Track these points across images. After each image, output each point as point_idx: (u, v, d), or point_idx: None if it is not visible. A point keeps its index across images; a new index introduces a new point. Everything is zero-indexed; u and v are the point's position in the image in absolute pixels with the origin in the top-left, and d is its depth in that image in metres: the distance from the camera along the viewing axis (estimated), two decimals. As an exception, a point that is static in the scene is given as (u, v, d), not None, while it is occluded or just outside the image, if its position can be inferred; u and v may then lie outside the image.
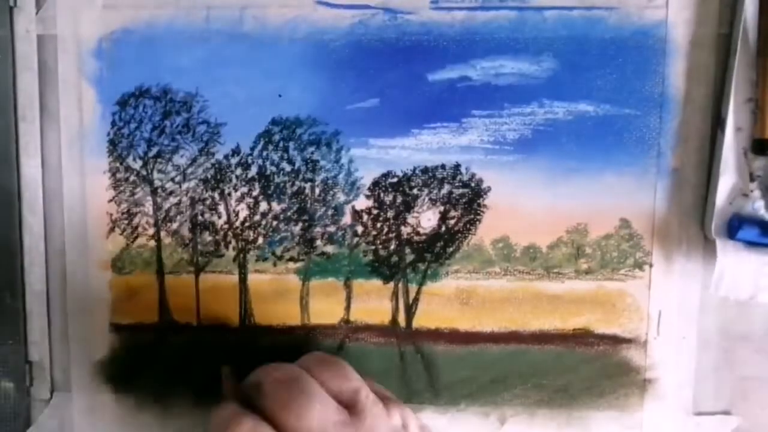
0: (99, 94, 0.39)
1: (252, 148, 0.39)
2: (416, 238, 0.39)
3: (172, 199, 0.40)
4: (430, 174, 0.39)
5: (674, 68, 0.37)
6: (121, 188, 0.40)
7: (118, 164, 0.40)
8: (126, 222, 0.40)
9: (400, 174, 0.39)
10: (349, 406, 0.30)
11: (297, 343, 0.40)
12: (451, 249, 0.39)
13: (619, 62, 0.38)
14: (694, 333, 0.39)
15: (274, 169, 0.39)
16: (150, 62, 0.39)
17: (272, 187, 0.39)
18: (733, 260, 0.36)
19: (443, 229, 0.39)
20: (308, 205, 0.39)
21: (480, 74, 0.38)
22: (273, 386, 0.30)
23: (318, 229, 0.40)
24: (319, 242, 0.40)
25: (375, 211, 0.39)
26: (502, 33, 0.38)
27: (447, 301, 0.40)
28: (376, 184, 0.39)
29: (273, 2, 0.38)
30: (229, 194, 0.40)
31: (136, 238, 0.40)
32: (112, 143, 0.39)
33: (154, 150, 0.39)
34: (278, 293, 0.40)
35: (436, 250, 0.39)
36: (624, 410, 0.39)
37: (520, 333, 0.40)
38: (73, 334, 0.40)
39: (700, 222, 0.38)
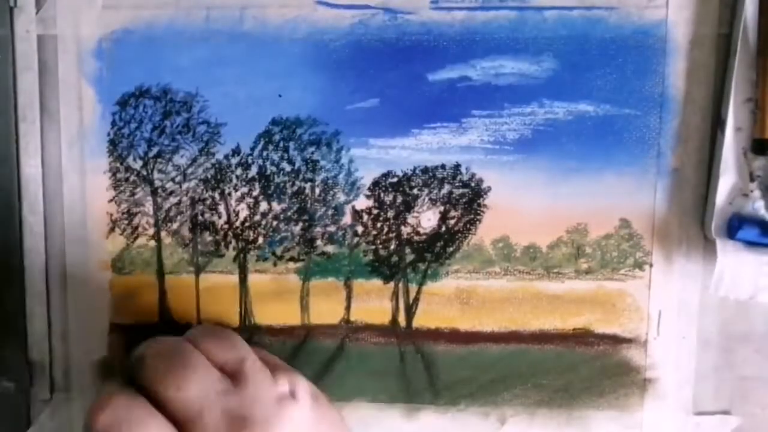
0: (99, 94, 0.39)
1: (252, 148, 0.39)
2: (416, 237, 0.39)
3: (173, 199, 0.40)
4: (430, 174, 0.39)
5: (674, 68, 0.37)
6: (122, 188, 0.40)
7: (118, 164, 0.40)
8: (126, 222, 0.40)
9: (400, 174, 0.39)
10: (233, 375, 0.30)
11: (297, 343, 0.40)
12: (451, 249, 0.39)
13: (619, 62, 0.38)
14: (694, 333, 0.39)
15: (274, 169, 0.39)
16: (150, 62, 0.39)
17: (272, 187, 0.39)
18: (733, 260, 0.36)
19: (443, 229, 0.39)
20: (308, 205, 0.40)
21: (480, 74, 0.38)
22: (153, 359, 0.30)
23: (318, 229, 0.40)
24: (319, 242, 0.40)
25: (375, 211, 0.39)
26: (502, 33, 0.38)
27: (447, 301, 0.40)
28: (376, 184, 0.39)
29: (273, 2, 0.38)
30: (230, 194, 0.40)
31: (137, 238, 0.40)
32: (113, 143, 0.39)
33: (155, 150, 0.39)
34: (278, 293, 0.40)
35: (437, 250, 0.39)
36: (624, 410, 0.39)
37: (520, 333, 0.40)
38: (73, 335, 0.40)
39: (700, 222, 0.38)
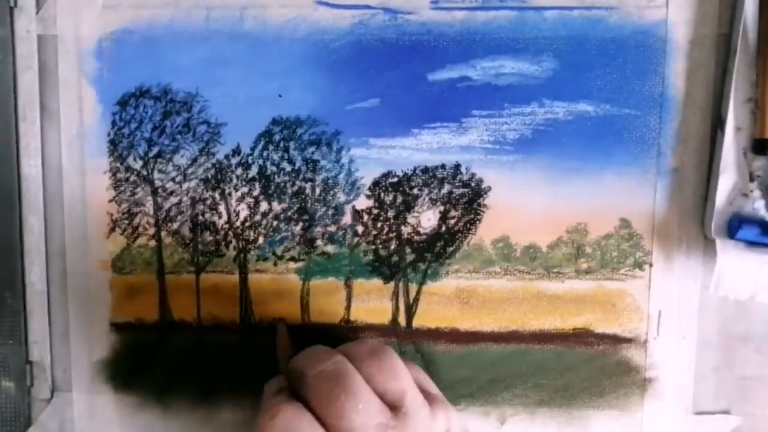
0: (99, 95, 0.39)
1: (252, 148, 0.39)
2: (416, 237, 0.39)
3: (173, 199, 0.40)
4: (431, 174, 0.39)
5: (674, 68, 0.37)
6: (122, 188, 0.40)
7: (118, 164, 0.40)
8: (126, 222, 0.40)
9: (401, 174, 0.39)
10: (393, 407, 0.29)
11: (297, 343, 0.40)
12: (451, 249, 0.39)
13: (619, 62, 0.38)
14: (694, 333, 0.39)
15: (274, 169, 0.39)
16: (150, 62, 0.39)
17: (273, 187, 0.39)
18: (733, 260, 0.36)
19: (443, 228, 0.39)
20: (309, 205, 0.40)
21: (480, 74, 0.38)
22: (316, 379, 0.30)
23: (318, 229, 0.40)
24: (319, 242, 0.40)
25: (375, 211, 0.39)
26: (502, 33, 0.38)
27: (447, 301, 0.40)
28: (376, 183, 0.39)
29: (273, 2, 0.38)
30: (230, 194, 0.40)
31: (137, 238, 0.40)
32: (113, 143, 0.40)
33: (155, 150, 0.39)
34: (279, 293, 0.40)
35: (437, 250, 0.39)
36: (624, 410, 0.39)
37: (520, 333, 0.40)
38: (73, 334, 0.40)
39: (700, 222, 0.38)
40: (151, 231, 0.40)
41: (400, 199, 0.39)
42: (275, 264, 0.40)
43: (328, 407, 0.28)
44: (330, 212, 0.39)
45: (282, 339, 0.36)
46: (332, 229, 0.40)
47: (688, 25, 0.37)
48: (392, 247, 0.40)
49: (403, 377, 0.30)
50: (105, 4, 0.39)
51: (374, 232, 0.40)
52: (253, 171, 0.39)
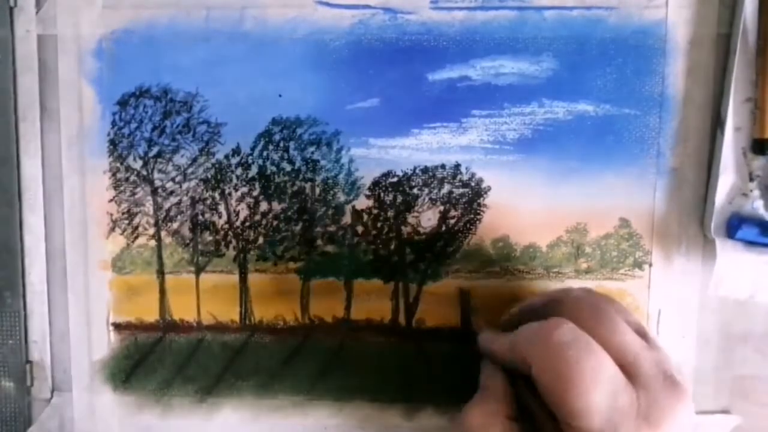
0: (99, 94, 0.39)
1: (252, 148, 0.39)
2: (416, 237, 0.39)
3: (173, 199, 0.40)
4: (430, 174, 0.39)
5: (674, 68, 0.37)
6: (122, 188, 0.40)
7: (118, 164, 0.40)
8: (126, 222, 0.40)
9: (400, 174, 0.39)
10: (641, 335, 0.30)
11: (297, 343, 0.40)
12: (451, 248, 0.39)
13: (618, 62, 0.38)
14: (694, 332, 0.39)
15: (274, 168, 0.39)
16: (150, 62, 0.39)
17: (273, 187, 0.39)
18: (733, 260, 0.36)
19: (443, 228, 0.39)
20: (308, 205, 0.40)
21: (480, 74, 0.38)
22: (577, 303, 0.31)
23: (318, 229, 0.40)
24: (319, 242, 0.40)
25: (375, 211, 0.39)
26: (502, 33, 0.38)
27: (447, 301, 0.40)
28: (376, 183, 0.39)
29: (273, 2, 0.38)
30: (230, 194, 0.40)
31: (137, 237, 0.40)
32: (113, 143, 0.40)
33: (155, 150, 0.39)
34: (278, 293, 0.40)
35: (437, 250, 0.39)
36: (624, 409, 0.39)
37: (520, 332, 0.40)
38: (73, 334, 0.40)
39: (699, 221, 0.38)
40: (151, 231, 0.40)
41: (400, 199, 0.39)
42: (275, 264, 0.40)
43: (599, 326, 0.29)
44: (330, 212, 0.39)
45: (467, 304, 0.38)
46: (332, 229, 0.40)
47: (688, 25, 0.37)
48: (392, 247, 0.40)
49: (634, 314, 0.32)
50: (105, 4, 0.39)
51: (374, 232, 0.40)
52: (253, 171, 0.39)
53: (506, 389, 0.31)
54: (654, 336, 0.31)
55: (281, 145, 0.39)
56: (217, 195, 0.40)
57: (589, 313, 0.30)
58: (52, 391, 0.41)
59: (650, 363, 0.28)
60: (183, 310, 0.40)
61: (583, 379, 0.27)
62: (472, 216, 0.39)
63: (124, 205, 0.40)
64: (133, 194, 0.40)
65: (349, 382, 0.40)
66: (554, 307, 0.31)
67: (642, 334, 0.30)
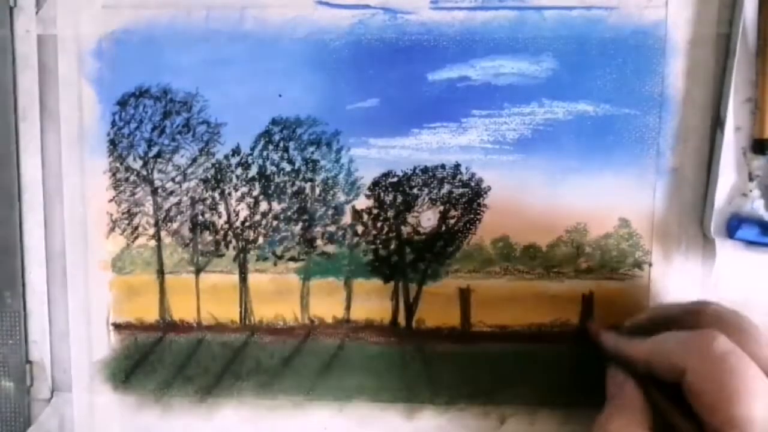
0: (99, 94, 0.39)
1: (252, 148, 0.39)
2: (416, 237, 0.39)
3: (173, 199, 0.40)
4: (430, 174, 0.39)
5: (674, 68, 0.37)
6: (122, 188, 0.40)
7: (118, 164, 0.40)
8: (126, 222, 0.40)
9: (400, 174, 0.39)
10: None
11: (297, 343, 0.40)
12: (451, 248, 0.39)
13: (618, 62, 0.38)
14: (694, 332, 0.39)
15: (274, 168, 0.39)
16: (150, 62, 0.39)
17: (272, 187, 0.39)
18: (733, 260, 0.36)
19: (443, 228, 0.39)
20: (308, 205, 0.40)
21: (480, 74, 0.38)
22: (717, 315, 0.31)
23: (318, 229, 0.40)
24: (319, 242, 0.40)
25: (375, 211, 0.39)
26: (502, 33, 0.38)
27: (447, 301, 0.40)
28: (376, 183, 0.39)
29: (273, 2, 0.38)
30: (230, 194, 0.40)
31: (137, 238, 0.40)
32: (113, 143, 0.40)
33: (155, 150, 0.40)
34: (278, 293, 0.40)
35: (436, 250, 0.39)
36: (624, 409, 0.39)
37: (520, 332, 0.40)
38: (73, 334, 0.40)
39: (699, 221, 0.38)
40: (151, 231, 0.40)
41: (399, 199, 0.39)
42: (275, 264, 0.40)
43: (744, 338, 0.29)
44: (330, 212, 0.40)
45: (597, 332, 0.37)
46: (332, 229, 0.40)
47: (688, 25, 0.37)
48: (392, 247, 0.40)
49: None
50: (105, 4, 0.39)
51: (374, 232, 0.40)
52: (253, 171, 0.39)
53: (641, 398, 0.31)
54: None
55: (281, 145, 0.39)
56: (216, 195, 0.40)
57: (734, 326, 0.30)
58: (52, 391, 0.41)
59: None
60: (183, 310, 0.40)
61: (746, 389, 0.28)
62: (472, 216, 0.39)
63: (124, 205, 0.40)
64: (133, 194, 0.40)
65: (349, 382, 0.40)
66: (694, 318, 0.31)
67: None
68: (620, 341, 0.34)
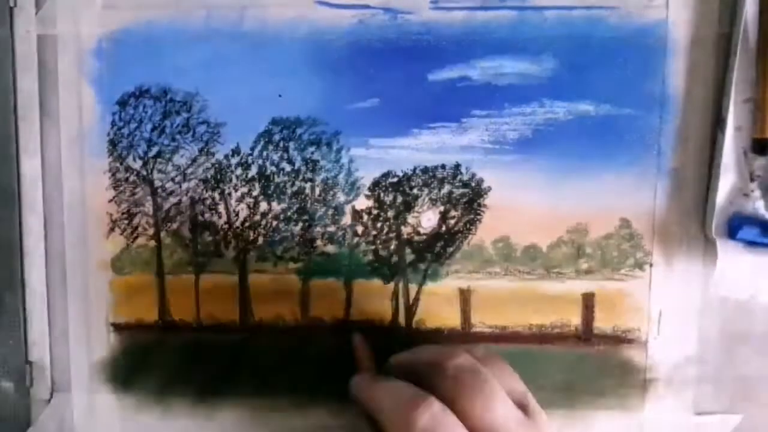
0: (99, 94, 0.39)
1: (252, 148, 0.39)
2: (416, 238, 0.39)
3: (172, 199, 0.40)
4: (431, 174, 0.39)
5: (674, 68, 0.37)
6: (121, 188, 0.40)
7: (118, 164, 0.40)
8: (126, 222, 0.40)
9: (400, 174, 0.39)
10: (521, 406, 0.30)
11: (297, 343, 0.40)
12: (451, 249, 0.39)
13: (619, 62, 0.38)
14: (695, 333, 0.39)
15: (274, 169, 0.39)
16: (150, 62, 0.39)
17: (272, 187, 0.39)
18: (734, 260, 0.36)
19: (443, 228, 0.39)
20: (308, 205, 0.39)
21: (480, 74, 0.38)
22: (457, 371, 0.30)
23: (318, 229, 0.40)
24: (319, 242, 0.40)
25: (375, 211, 0.39)
26: (502, 33, 0.38)
27: (447, 301, 0.40)
28: (376, 184, 0.39)
29: (273, 2, 0.38)
30: (229, 194, 0.40)
31: (136, 238, 0.40)
32: (112, 143, 0.39)
33: (154, 150, 0.39)
34: (278, 293, 0.40)
35: (437, 250, 0.39)
36: (624, 410, 0.39)
37: (521, 333, 0.40)
38: (73, 335, 0.40)
39: (700, 222, 0.38)
40: (151, 231, 0.40)
41: (400, 199, 0.39)
42: (275, 264, 0.40)
43: (473, 399, 0.28)
44: (330, 212, 0.39)
45: (361, 351, 0.38)
46: (332, 229, 0.40)
47: (689, 25, 0.37)
48: (392, 247, 0.40)
49: (519, 380, 0.31)
50: (105, 4, 0.39)
51: (374, 233, 0.39)
52: (253, 171, 0.39)
53: None
54: (536, 407, 0.30)
55: (281, 145, 0.39)
56: (216, 195, 0.40)
57: (469, 386, 0.29)
58: (52, 392, 0.41)
59: None
60: (183, 310, 0.40)
61: None
62: (472, 216, 0.39)
63: (124, 206, 0.40)
64: (133, 194, 0.40)
65: (350, 382, 0.40)
66: (434, 372, 0.30)
67: (521, 403, 0.30)
68: (363, 380, 0.33)
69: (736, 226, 0.36)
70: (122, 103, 0.39)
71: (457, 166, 0.39)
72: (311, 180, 0.39)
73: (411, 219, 0.39)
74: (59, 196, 0.40)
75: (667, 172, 0.38)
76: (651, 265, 0.39)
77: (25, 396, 0.41)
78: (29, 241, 0.40)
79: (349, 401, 0.40)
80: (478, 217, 0.39)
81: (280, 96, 0.39)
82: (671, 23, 0.37)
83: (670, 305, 0.39)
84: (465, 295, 0.39)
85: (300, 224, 0.40)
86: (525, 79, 0.38)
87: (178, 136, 0.39)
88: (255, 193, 0.40)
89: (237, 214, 0.40)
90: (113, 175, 0.40)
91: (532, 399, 0.31)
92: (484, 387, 0.29)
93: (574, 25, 0.38)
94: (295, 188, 0.39)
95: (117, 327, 0.40)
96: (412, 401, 0.29)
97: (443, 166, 0.39)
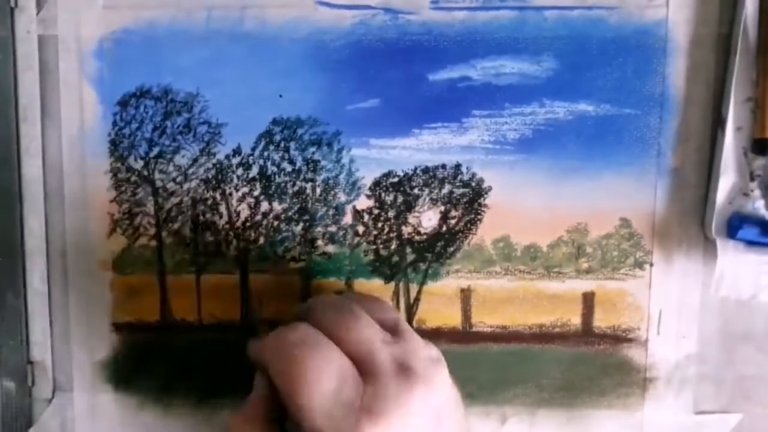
0: (100, 95, 0.39)
1: (253, 149, 0.39)
2: (417, 237, 0.39)
3: (174, 200, 0.40)
4: (431, 174, 0.39)
5: (674, 68, 0.37)
6: (123, 188, 0.40)
7: (119, 165, 0.40)
8: (127, 222, 0.40)
9: (401, 174, 0.39)
10: (391, 331, 0.31)
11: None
12: (451, 248, 0.39)
13: (619, 62, 0.38)
14: (695, 332, 0.39)
15: (275, 169, 0.39)
16: (151, 62, 0.39)
17: (273, 187, 0.40)
18: (734, 260, 0.36)
19: (444, 228, 0.39)
20: (309, 205, 0.40)
21: (480, 74, 0.38)
22: (322, 305, 0.32)
23: (319, 229, 0.40)
24: (320, 242, 0.40)
25: (376, 211, 0.39)
26: (503, 33, 0.38)
27: (448, 301, 0.40)
28: (376, 184, 0.39)
29: (273, 2, 0.38)
30: (230, 194, 0.40)
31: (138, 238, 0.40)
32: (113, 144, 0.40)
33: (156, 150, 0.40)
34: (279, 293, 0.40)
35: (437, 250, 0.39)
36: (624, 409, 0.40)
37: (521, 332, 0.40)
38: (74, 335, 0.40)
39: (700, 221, 0.38)
40: (152, 231, 0.40)
41: (400, 199, 0.39)
42: (276, 264, 0.40)
43: (337, 324, 0.30)
44: (330, 212, 0.40)
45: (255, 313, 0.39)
46: (333, 229, 0.40)
47: (689, 24, 0.37)
48: (393, 247, 0.40)
49: (393, 310, 0.33)
50: (105, 5, 0.39)
51: (375, 232, 0.40)
52: (254, 171, 0.39)
53: (267, 392, 0.31)
54: (407, 330, 0.31)
55: (282, 145, 0.39)
56: (217, 195, 0.40)
57: (331, 312, 0.31)
58: (53, 392, 0.41)
59: (386, 356, 0.29)
60: (184, 310, 0.40)
61: (305, 377, 0.28)
62: (472, 216, 0.39)
63: (125, 206, 0.40)
64: (134, 195, 0.40)
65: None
66: (306, 311, 0.32)
67: (393, 329, 0.31)
68: (253, 342, 0.34)
69: (736, 225, 0.36)
70: (123, 104, 0.39)
71: (458, 166, 0.39)
72: (312, 180, 0.39)
73: (412, 219, 0.39)
74: (60, 196, 0.40)
75: (667, 172, 0.38)
76: (651, 265, 0.39)
77: (27, 396, 0.41)
78: (30, 242, 0.40)
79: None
80: (479, 216, 0.39)
81: (281, 96, 0.39)
82: (671, 23, 0.37)
83: (670, 305, 0.39)
84: (465, 295, 0.40)
85: (301, 224, 0.40)
86: (525, 79, 0.38)
87: (179, 137, 0.39)
88: (256, 193, 0.40)
89: (238, 214, 0.40)
90: (114, 175, 0.40)
91: (404, 324, 0.32)
92: (346, 312, 0.31)
93: (574, 25, 0.38)
94: (296, 188, 0.39)
95: (118, 327, 0.40)
96: (283, 328, 0.30)
97: (444, 166, 0.39)
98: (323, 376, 0.28)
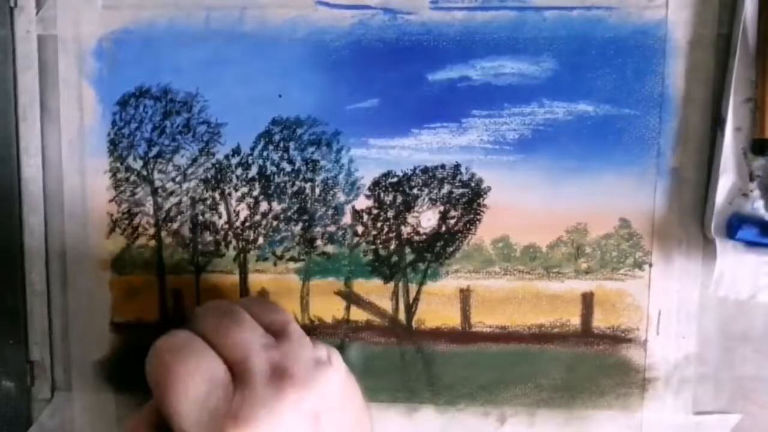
0: (99, 95, 0.39)
1: (252, 148, 0.39)
2: (416, 237, 0.39)
3: (173, 199, 0.40)
4: (430, 174, 0.39)
5: (674, 68, 0.37)
6: (122, 188, 0.40)
7: (118, 164, 0.40)
8: (126, 222, 0.40)
9: (400, 174, 0.39)
10: (277, 334, 0.31)
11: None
12: (451, 249, 0.39)
13: (618, 62, 0.38)
14: (694, 332, 0.39)
15: (274, 169, 0.39)
16: (150, 62, 0.39)
17: (272, 187, 0.40)
18: (733, 260, 0.36)
19: (443, 228, 0.39)
20: (308, 205, 0.40)
21: (480, 74, 0.38)
22: (205, 310, 0.32)
23: (318, 229, 0.40)
24: (319, 242, 0.40)
25: (375, 211, 0.39)
26: (502, 33, 0.38)
27: (447, 301, 0.40)
28: (376, 184, 0.39)
29: (273, 2, 0.38)
30: (230, 194, 0.40)
31: (137, 238, 0.40)
32: (113, 143, 0.40)
33: (155, 150, 0.40)
34: (278, 293, 0.40)
35: (436, 250, 0.39)
36: (624, 410, 0.39)
37: (520, 333, 0.40)
38: (73, 334, 0.40)
39: (699, 222, 0.38)
40: (151, 231, 0.40)
41: (399, 199, 0.39)
42: (275, 264, 0.40)
43: (216, 329, 0.31)
44: (330, 212, 0.40)
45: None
46: (332, 229, 0.40)
47: (688, 25, 0.37)
48: (392, 247, 0.40)
49: (285, 314, 0.33)
50: (105, 5, 0.39)
51: (374, 232, 0.40)
52: (253, 171, 0.39)
53: None
54: (294, 332, 0.32)
55: (281, 145, 0.39)
56: (217, 195, 0.40)
57: (212, 317, 0.31)
58: (53, 391, 0.41)
59: (261, 360, 0.30)
60: (183, 310, 0.40)
61: (173, 384, 0.29)
62: (472, 216, 0.39)
63: (125, 206, 0.40)
64: (134, 194, 0.40)
65: None
66: (191, 320, 0.32)
67: (280, 331, 0.31)
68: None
69: (735, 225, 0.36)
70: (123, 104, 0.39)
71: (457, 166, 0.39)
72: (311, 180, 0.39)
73: (411, 219, 0.39)
74: (60, 196, 0.40)
75: (667, 172, 0.38)
76: (650, 265, 0.39)
77: (26, 395, 0.41)
78: (30, 241, 0.40)
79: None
80: (478, 217, 0.39)
81: (280, 96, 0.39)
82: (670, 24, 0.37)
83: (670, 305, 0.39)
84: (465, 295, 0.40)
85: (300, 224, 0.40)
86: (525, 79, 0.38)
87: (178, 136, 0.39)
88: (255, 193, 0.40)
89: (237, 214, 0.40)
90: (114, 175, 0.40)
91: (293, 326, 0.32)
92: (226, 317, 0.31)
93: (574, 26, 0.38)
94: (295, 188, 0.39)
95: (118, 326, 0.40)
96: (162, 336, 0.31)
97: (443, 166, 0.39)
98: (191, 383, 0.29)
